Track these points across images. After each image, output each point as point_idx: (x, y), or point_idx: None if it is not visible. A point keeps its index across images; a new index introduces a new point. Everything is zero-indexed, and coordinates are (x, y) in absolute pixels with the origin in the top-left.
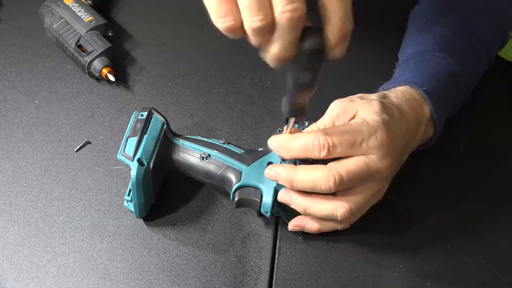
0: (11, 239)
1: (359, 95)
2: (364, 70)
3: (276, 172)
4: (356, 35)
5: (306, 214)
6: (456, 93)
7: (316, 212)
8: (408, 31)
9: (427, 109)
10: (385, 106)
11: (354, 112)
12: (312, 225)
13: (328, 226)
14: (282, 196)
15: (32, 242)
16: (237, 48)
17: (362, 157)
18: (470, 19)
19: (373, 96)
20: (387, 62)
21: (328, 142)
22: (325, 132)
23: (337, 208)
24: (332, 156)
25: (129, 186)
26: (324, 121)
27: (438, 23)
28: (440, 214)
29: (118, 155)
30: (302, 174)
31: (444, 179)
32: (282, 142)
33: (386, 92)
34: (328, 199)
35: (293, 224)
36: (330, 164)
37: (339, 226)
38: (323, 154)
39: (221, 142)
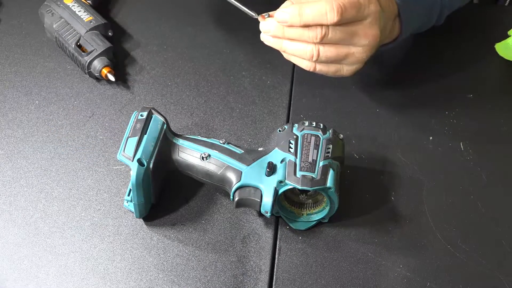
0: (11, 239)
1: None
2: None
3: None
4: None
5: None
6: (424, 4)
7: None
8: None
9: (395, 6)
10: None
11: None
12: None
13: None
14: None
15: (32, 242)
16: (237, 48)
17: None
18: None
19: None
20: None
21: (340, 6)
22: None
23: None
24: (343, 22)
25: (129, 186)
26: None
27: None
28: (440, 214)
29: (118, 155)
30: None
31: (444, 179)
32: (294, 11)
33: None
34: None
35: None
36: None
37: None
38: (336, 19)
39: (221, 142)
